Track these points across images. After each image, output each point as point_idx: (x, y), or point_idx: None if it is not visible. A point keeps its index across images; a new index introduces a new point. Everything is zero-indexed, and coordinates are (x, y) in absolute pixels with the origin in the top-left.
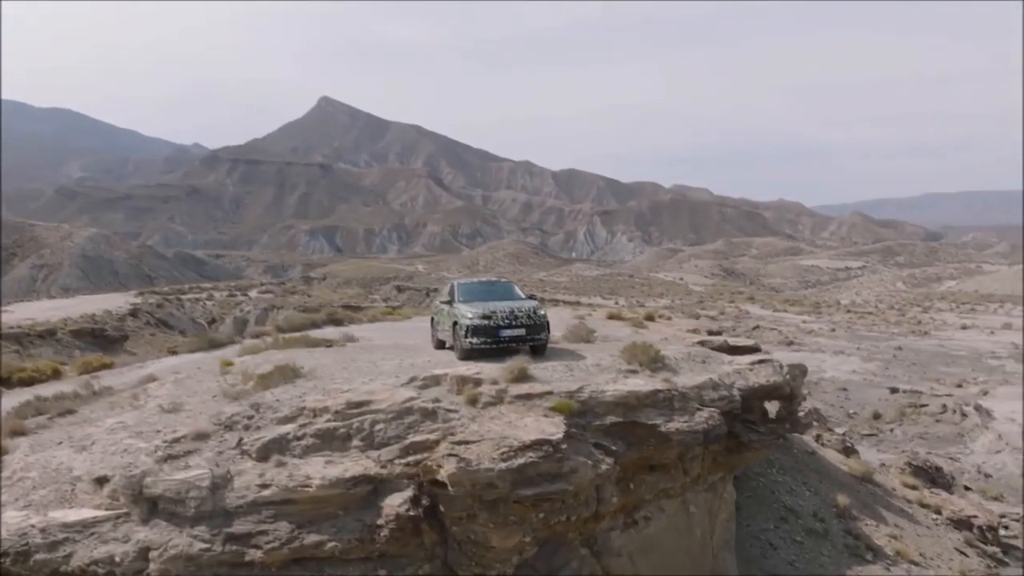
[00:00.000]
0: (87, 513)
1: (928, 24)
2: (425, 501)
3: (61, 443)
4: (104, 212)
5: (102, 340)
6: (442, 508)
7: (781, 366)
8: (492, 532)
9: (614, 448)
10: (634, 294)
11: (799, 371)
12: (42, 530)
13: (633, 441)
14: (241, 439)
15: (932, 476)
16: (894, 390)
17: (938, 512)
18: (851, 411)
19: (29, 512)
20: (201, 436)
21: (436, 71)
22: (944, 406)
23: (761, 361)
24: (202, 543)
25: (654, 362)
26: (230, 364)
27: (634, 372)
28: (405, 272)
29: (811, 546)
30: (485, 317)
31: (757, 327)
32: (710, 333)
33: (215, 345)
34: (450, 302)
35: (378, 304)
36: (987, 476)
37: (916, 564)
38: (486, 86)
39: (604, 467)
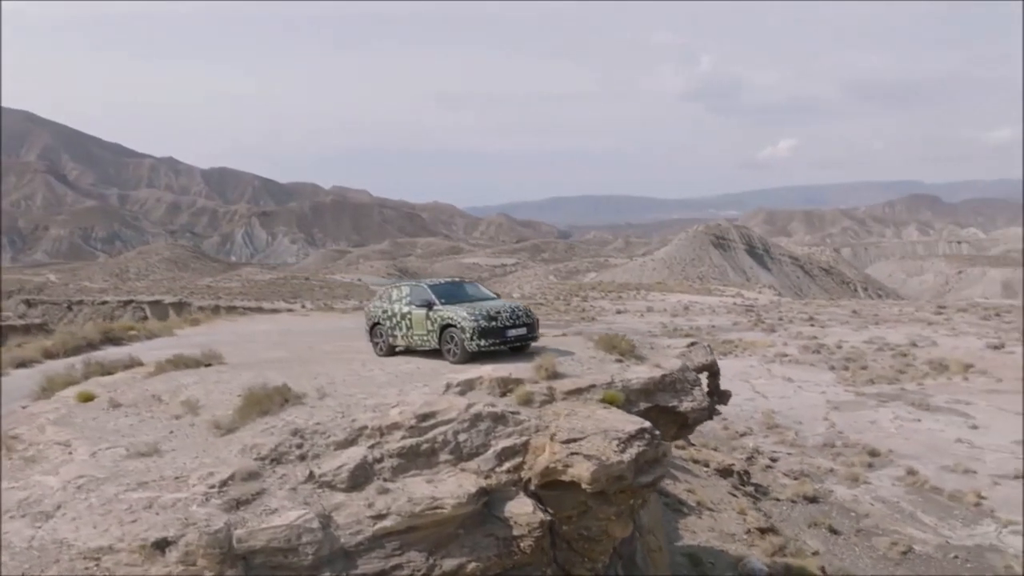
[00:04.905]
0: None
1: (558, 50)
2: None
3: None
4: None
5: None
6: (550, 509)
7: (709, 348)
8: (614, 524)
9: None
10: (318, 296)
11: (711, 350)
12: None
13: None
14: (312, 471)
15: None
16: None
17: (707, 465)
18: None
19: None
20: (252, 475)
21: (54, 49)
22: None
23: (693, 343)
24: None
25: (632, 351)
26: (91, 397)
27: (620, 361)
28: (32, 283)
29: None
30: (491, 318)
31: None
32: None
33: None
34: (428, 306)
35: (14, 321)
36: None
37: (712, 510)
38: (122, 71)
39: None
